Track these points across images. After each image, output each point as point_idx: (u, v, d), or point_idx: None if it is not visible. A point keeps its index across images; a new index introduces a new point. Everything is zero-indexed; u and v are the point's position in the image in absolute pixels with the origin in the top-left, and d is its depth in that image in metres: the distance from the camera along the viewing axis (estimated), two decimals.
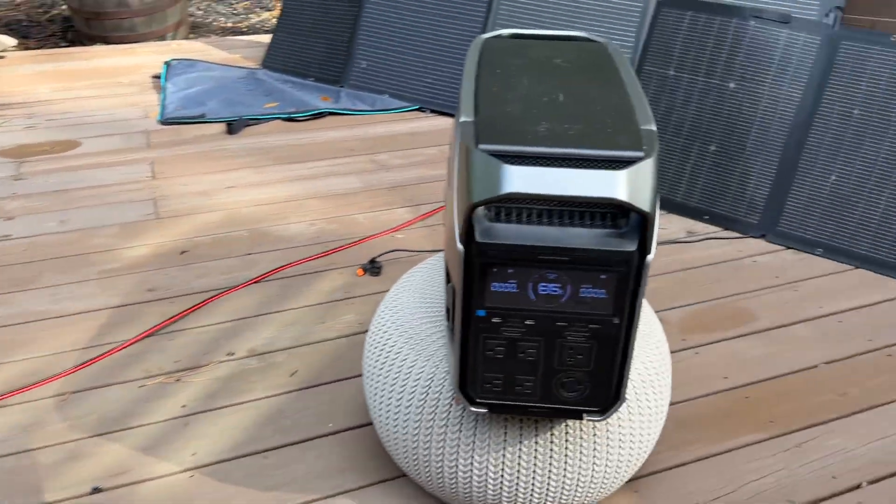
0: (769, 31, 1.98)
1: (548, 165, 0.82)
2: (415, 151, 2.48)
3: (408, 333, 1.14)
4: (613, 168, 0.82)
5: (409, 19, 2.80)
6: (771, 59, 1.97)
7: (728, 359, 1.56)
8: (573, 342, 0.91)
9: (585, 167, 0.82)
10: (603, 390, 0.94)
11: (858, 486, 1.27)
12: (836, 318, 1.70)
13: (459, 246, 0.86)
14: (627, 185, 0.81)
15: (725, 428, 1.38)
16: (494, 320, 0.90)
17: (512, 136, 0.85)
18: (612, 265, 0.85)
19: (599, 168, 0.82)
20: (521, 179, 0.81)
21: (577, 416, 0.96)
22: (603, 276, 0.86)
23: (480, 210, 0.86)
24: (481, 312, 0.90)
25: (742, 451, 1.33)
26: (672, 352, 1.58)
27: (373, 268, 1.79)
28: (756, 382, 1.50)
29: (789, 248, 1.96)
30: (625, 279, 0.86)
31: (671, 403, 1.45)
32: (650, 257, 0.85)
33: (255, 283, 1.75)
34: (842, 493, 1.26)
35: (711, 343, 1.61)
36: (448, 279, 0.98)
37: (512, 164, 0.82)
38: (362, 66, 2.86)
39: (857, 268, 1.88)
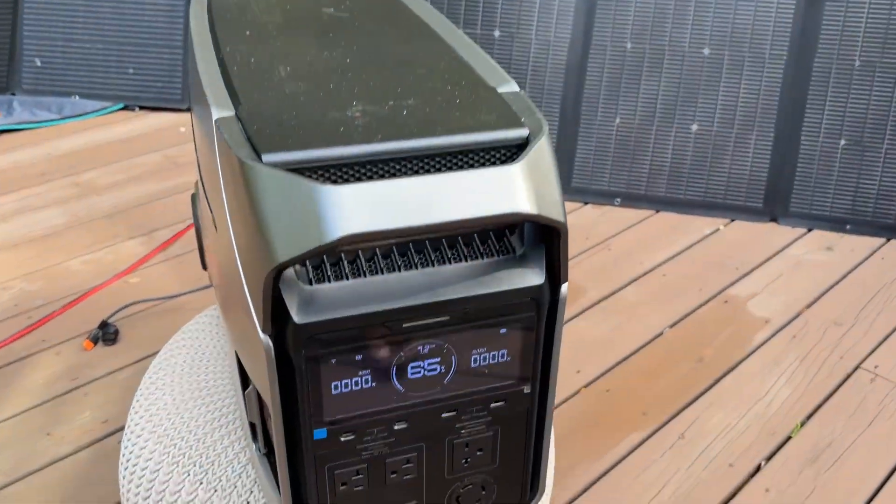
0: None
1: (394, 175, 0.48)
2: (130, 163, 1.97)
3: (187, 457, 0.74)
4: (498, 162, 0.50)
5: None
6: (533, 1, 1.76)
7: (573, 347, 1.33)
8: (468, 436, 0.58)
9: (453, 168, 0.49)
10: (516, 488, 0.63)
11: (758, 469, 1.10)
12: (661, 273, 1.55)
13: (264, 338, 0.49)
14: (529, 185, 0.49)
15: (600, 435, 1.15)
16: (345, 438, 0.54)
17: (315, 133, 0.50)
18: (515, 312, 0.53)
19: (478, 166, 0.49)
20: (359, 209, 0.45)
21: None
22: (503, 331, 0.54)
23: (290, 270, 0.49)
24: (320, 433, 0.54)
25: (630, 461, 1.11)
26: None
27: (105, 335, 1.31)
28: (610, 369, 1.29)
29: (587, 202, 1.79)
30: (534, 327, 0.55)
31: None
32: (565, 288, 0.54)
33: None
34: (746, 482, 1.08)
35: None
36: (244, 382, 0.60)
37: (335, 182, 0.46)
38: (36, 65, 2.24)
39: (657, 212, 1.76)
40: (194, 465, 0.74)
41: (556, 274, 0.54)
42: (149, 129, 2.15)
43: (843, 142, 1.66)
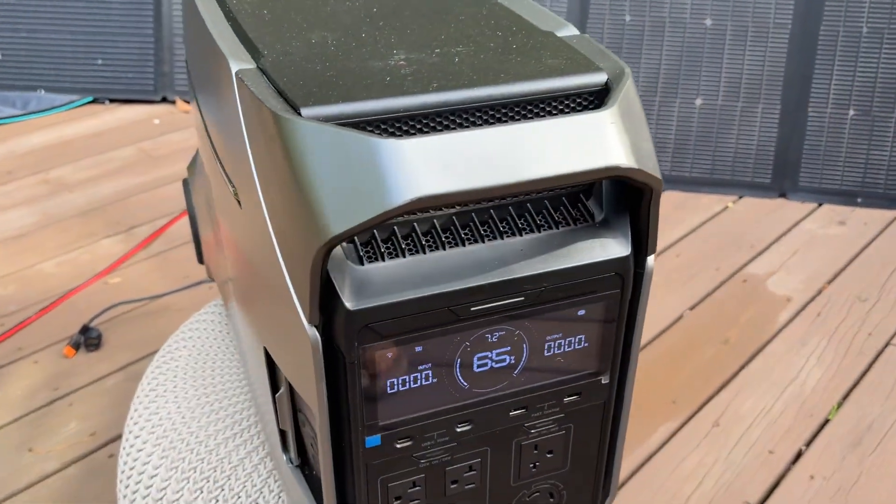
0: None
1: (465, 127, 0.40)
2: (104, 157, 1.86)
3: (199, 473, 0.65)
4: (583, 110, 0.42)
5: None
6: None
7: None
8: (538, 436, 0.50)
9: (532, 117, 0.41)
10: (587, 493, 0.55)
11: (800, 455, 1.04)
12: (674, 253, 1.48)
13: (311, 331, 0.41)
14: (623, 135, 0.41)
15: (633, 427, 1.08)
16: (401, 445, 0.46)
17: (361, 84, 0.41)
18: (596, 289, 0.45)
19: (562, 114, 0.41)
20: (432, 166, 0.37)
21: None
22: (581, 313, 0.46)
23: (337, 249, 0.41)
24: (374, 441, 0.45)
25: (665, 452, 1.04)
26: None
27: (87, 340, 1.21)
28: None
29: None
30: (616, 307, 0.47)
31: None
32: (651, 261, 0.47)
33: None
34: (788, 469, 1.02)
35: None
36: (273, 385, 0.51)
37: (399, 136, 0.38)
38: None
39: (664, 190, 1.69)
40: (207, 481, 0.65)
41: (642, 243, 0.46)
42: (121, 122, 2.03)
43: (851, 112, 1.60)
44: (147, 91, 2.13)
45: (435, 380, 0.45)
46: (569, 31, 0.50)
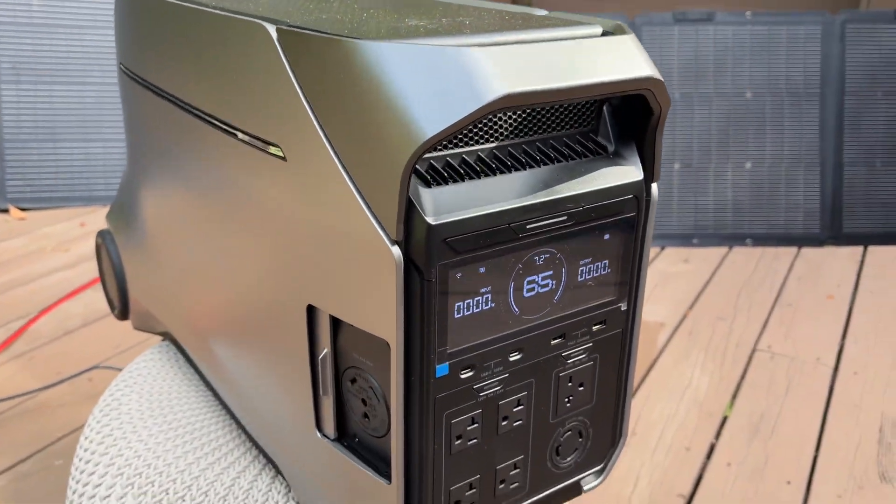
0: None
1: (524, 42, 0.44)
2: None
3: (187, 498, 0.61)
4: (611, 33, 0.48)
5: None
6: None
7: None
8: (572, 367, 0.53)
9: (566, 39, 0.47)
10: (607, 431, 0.58)
11: (713, 448, 1.12)
12: None
13: (394, 250, 0.42)
14: (647, 57, 0.47)
15: None
16: (464, 375, 0.47)
17: (401, 31, 0.45)
18: (620, 212, 0.51)
19: (595, 36, 0.47)
20: (510, 68, 0.41)
21: (575, 491, 0.58)
22: (606, 237, 0.51)
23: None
24: (443, 369, 0.46)
25: None
26: None
27: None
28: None
29: None
30: (633, 232, 0.52)
31: None
32: (656, 188, 0.53)
33: None
34: (707, 461, 1.10)
35: None
36: (312, 349, 0.50)
37: (473, 47, 0.42)
38: None
39: None
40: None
41: (647, 171, 0.52)
42: None
43: (677, 166, 1.83)
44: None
45: (493, 304, 0.47)
46: (541, 11, 0.57)
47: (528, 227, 0.46)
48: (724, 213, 1.82)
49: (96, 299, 1.57)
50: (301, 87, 0.45)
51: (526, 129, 0.49)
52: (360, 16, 0.52)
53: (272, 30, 0.47)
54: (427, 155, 0.45)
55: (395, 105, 0.40)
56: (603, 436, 0.58)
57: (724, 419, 1.19)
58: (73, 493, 0.68)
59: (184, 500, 0.61)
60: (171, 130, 0.63)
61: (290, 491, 0.62)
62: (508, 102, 0.41)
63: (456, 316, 0.46)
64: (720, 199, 1.82)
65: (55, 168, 2.09)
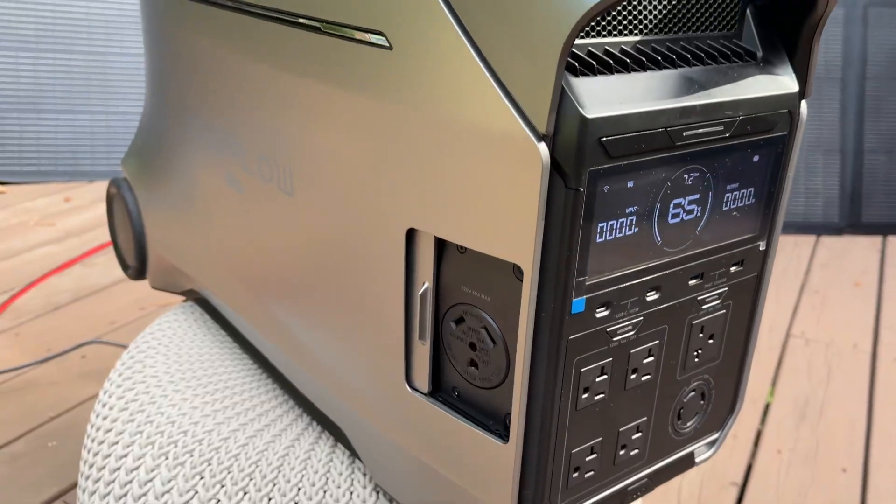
0: None
1: None
2: None
3: (233, 469, 0.52)
4: None
5: None
6: None
7: None
8: (706, 314, 0.45)
9: None
10: (729, 394, 0.50)
11: (759, 435, 1.05)
12: None
13: (542, 147, 0.34)
14: None
15: None
16: (599, 315, 0.39)
17: None
18: (772, 129, 0.43)
19: None
20: None
21: (689, 463, 0.51)
22: (756, 159, 0.43)
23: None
24: (579, 305, 0.38)
25: None
26: None
27: None
28: None
29: None
30: (782, 155, 0.45)
31: None
32: (805, 106, 0.45)
33: None
34: (756, 449, 1.03)
35: None
36: (409, 277, 0.41)
37: None
38: None
39: None
40: (251, 479, 0.52)
41: (802, 83, 0.44)
42: None
43: None
44: None
45: (637, 230, 0.39)
46: None
47: (684, 133, 0.38)
48: None
49: (87, 275, 1.46)
50: None
51: (669, 25, 0.41)
52: None
53: None
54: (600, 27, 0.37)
55: None
56: (724, 399, 0.50)
57: (767, 406, 1.12)
58: (90, 466, 0.59)
59: (230, 471, 0.52)
60: (220, 39, 0.54)
61: (354, 461, 0.53)
62: None
63: (598, 240, 0.38)
64: None
65: (38, 140, 1.97)
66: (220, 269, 0.62)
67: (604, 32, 0.39)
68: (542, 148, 0.34)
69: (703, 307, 0.45)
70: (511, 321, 0.39)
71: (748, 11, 0.44)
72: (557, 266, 0.37)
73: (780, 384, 1.18)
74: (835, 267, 1.61)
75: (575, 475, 0.42)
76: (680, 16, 0.42)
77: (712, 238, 0.43)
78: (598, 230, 0.37)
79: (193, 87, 0.59)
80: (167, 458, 0.54)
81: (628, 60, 0.38)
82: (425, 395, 0.44)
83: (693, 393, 0.48)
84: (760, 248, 0.47)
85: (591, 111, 0.34)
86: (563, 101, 0.34)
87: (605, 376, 0.41)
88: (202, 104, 0.58)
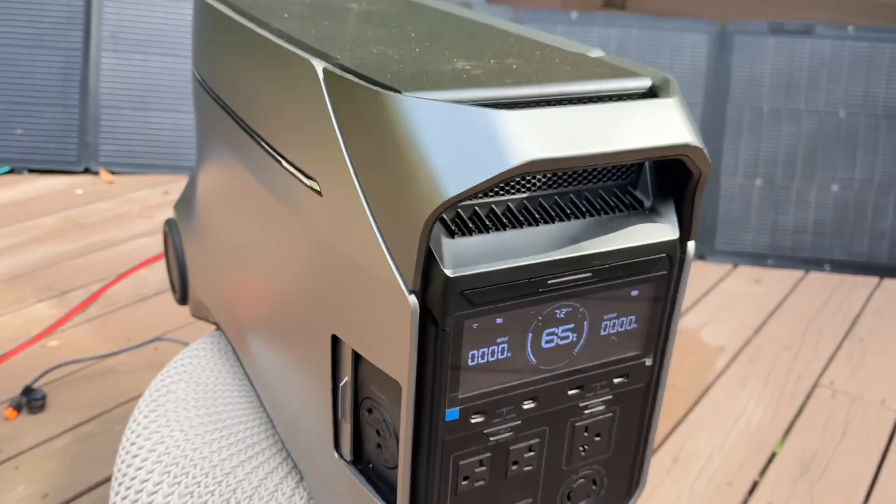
0: None
1: (555, 104, 0.44)
2: (26, 226, 1.79)
3: (217, 493, 0.64)
4: (652, 96, 0.47)
5: None
6: None
7: None
8: (589, 418, 0.53)
9: (611, 100, 0.46)
10: (624, 481, 0.58)
11: (755, 486, 1.10)
12: None
13: (411, 299, 0.43)
14: (686, 119, 0.47)
15: None
16: (474, 420, 0.48)
17: (443, 79, 0.45)
18: (649, 270, 0.50)
19: (639, 97, 0.47)
20: (541, 135, 0.41)
21: None
22: (634, 293, 0.51)
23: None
24: (453, 414, 0.47)
25: None
26: None
27: (31, 402, 1.14)
28: None
29: None
30: (664, 290, 0.52)
31: None
32: (692, 246, 0.52)
33: None
34: (747, 499, 1.07)
35: None
36: (335, 377, 0.52)
37: (507, 107, 0.42)
38: None
39: None
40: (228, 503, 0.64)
41: (685, 229, 0.51)
42: (42, 191, 1.97)
43: (758, 181, 1.77)
44: (69, 162, 2.08)
45: (509, 354, 0.47)
46: (597, 52, 0.56)
47: (549, 282, 0.46)
48: (803, 235, 1.75)
49: None
50: (340, 129, 0.46)
51: (562, 181, 0.49)
52: (412, 51, 0.53)
53: (319, 69, 0.48)
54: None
55: (422, 160, 0.41)
56: (618, 485, 0.58)
57: (773, 455, 1.16)
58: (119, 471, 0.72)
59: (213, 495, 0.64)
60: (229, 140, 0.65)
61: (311, 500, 0.64)
62: (533, 168, 0.41)
63: (470, 364, 0.46)
64: (801, 220, 1.76)
65: (145, 135, 2.18)
66: (224, 311, 0.74)
67: (492, 194, 0.47)
68: (412, 300, 0.43)
69: (586, 412, 0.53)
70: (399, 421, 0.48)
71: (646, 164, 0.51)
72: (432, 384, 0.46)
73: (793, 435, 1.21)
74: (888, 313, 1.59)
75: None
76: (575, 173, 0.49)
77: (590, 357, 0.51)
78: (469, 357, 0.46)
79: (212, 160, 0.71)
80: (169, 476, 0.67)
81: (506, 219, 0.46)
82: (347, 462, 0.54)
83: (583, 480, 0.56)
84: (647, 364, 0.54)
85: (454, 270, 0.43)
86: (431, 261, 0.43)
87: (483, 468, 0.50)
88: (215, 175, 0.70)
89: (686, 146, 0.45)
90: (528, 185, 0.48)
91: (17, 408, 1.13)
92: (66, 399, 1.18)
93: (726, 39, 1.76)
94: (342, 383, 0.52)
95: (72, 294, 1.49)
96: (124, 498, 0.69)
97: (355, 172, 0.45)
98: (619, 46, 1.77)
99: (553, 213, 0.48)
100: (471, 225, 0.45)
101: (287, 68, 0.52)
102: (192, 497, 0.65)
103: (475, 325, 0.45)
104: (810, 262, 1.75)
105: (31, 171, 2.07)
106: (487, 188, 0.41)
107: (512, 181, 0.47)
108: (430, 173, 0.41)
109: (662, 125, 0.45)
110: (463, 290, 0.44)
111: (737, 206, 1.77)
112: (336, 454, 0.55)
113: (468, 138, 0.41)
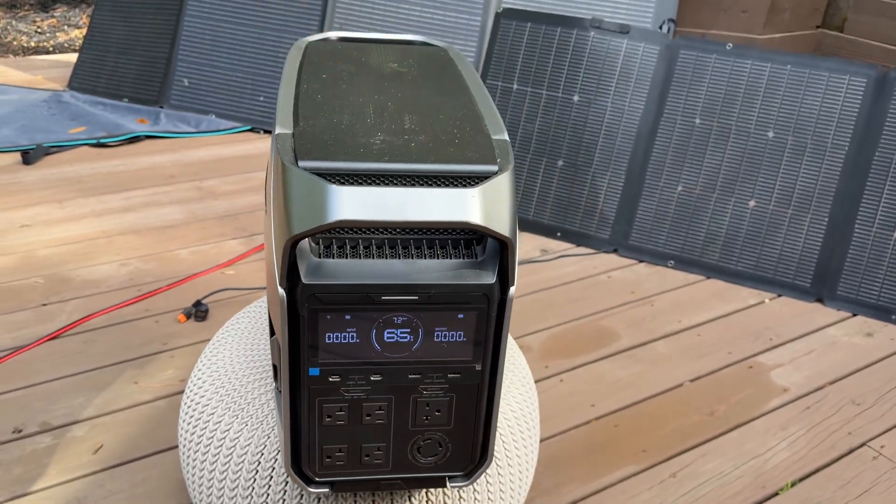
0: (609, 42, 1.94)
1: (385, 185, 0.66)
2: (247, 176, 2.26)
3: (230, 396, 0.94)
4: (464, 185, 0.67)
5: (235, 33, 2.57)
6: (612, 71, 1.93)
7: (594, 384, 1.46)
8: (429, 397, 0.75)
9: (430, 185, 0.67)
10: (467, 450, 0.78)
11: None
12: (695, 332, 1.65)
13: (281, 291, 0.68)
14: (482, 205, 0.66)
15: (598, 463, 1.27)
16: (332, 379, 0.72)
17: (340, 151, 0.69)
18: (470, 302, 0.70)
19: (447, 186, 0.67)
20: (352, 204, 0.64)
21: (440, 483, 0.80)
22: (460, 316, 0.71)
23: (305, 243, 0.68)
24: (314, 371, 0.72)
25: (617, 488, 1.22)
26: (536, 381, 1.46)
27: (197, 312, 1.55)
28: (624, 408, 1.41)
29: (642, 261, 1.91)
30: (485, 318, 0.71)
31: (539, 441, 1.32)
32: (513, 290, 0.71)
33: (51, 339, 1.47)
34: None
35: (576, 368, 1.51)
36: (272, 331, 0.79)
37: (341, 184, 0.65)
38: (184, 85, 2.60)
39: (707, 278, 1.86)
40: (234, 404, 0.94)
41: (506, 278, 0.70)
42: (267, 149, 2.44)
43: (895, 234, 1.71)
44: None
45: (357, 340, 0.71)
46: (502, 135, 0.75)
47: (383, 297, 0.69)
48: None
49: None
50: (273, 172, 0.72)
51: (428, 231, 0.70)
52: (364, 120, 0.76)
53: (277, 131, 0.74)
54: (333, 235, 0.70)
55: (288, 206, 0.66)
56: (463, 451, 0.78)
57: (773, 495, 1.23)
58: (187, 397, 1.06)
59: (247, 407, 0.95)
60: None
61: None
62: (343, 225, 0.64)
63: (327, 340, 0.71)
64: None
65: None
66: None
67: (364, 231, 0.70)
68: (281, 293, 0.68)
69: (426, 392, 0.74)
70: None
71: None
72: (301, 348, 0.71)
73: (808, 482, 1.26)
74: None
75: (328, 460, 0.76)
76: (435, 230, 0.70)
77: (426, 355, 0.72)
78: (326, 336, 0.70)
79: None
80: (220, 396, 0.98)
81: (363, 250, 0.69)
82: (278, 391, 0.81)
83: (430, 440, 0.77)
84: (477, 368, 0.74)
85: (308, 279, 0.67)
86: (295, 271, 0.68)
87: (342, 412, 0.74)
88: None
89: (466, 223, 0.65)
90: (393, 231, 0.70)
91: (188, 315, 1.55)
92: (223, 315, 1.58)
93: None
94: (272, 338, 0.78)
95: (258, 237, 1.91)
96: (190, 390, 1.03)
97: (270, 204, 0.71)
98: (769, 81, 1.80)
99: (404, 252, 0.70)
100: (335, 252, 0.69)
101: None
102: (222, 403, 0.96)
103: (328, 316, 0.69)
104: None
105: (266, 131, 2.56)
106: (321, 231, 0.64)
107: (380, 229, 0.70)
108: (289, 216, 0.65)
109: (456, 206, 0.65)
110: (314, 293, 0.68)
111: (868, 255, 1.73)
112: (274, 383, 0.82)
113: (314, 199, 0.64)
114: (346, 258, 0.69)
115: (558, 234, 1.98)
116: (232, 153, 2.41)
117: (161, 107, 2.61)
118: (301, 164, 0.66)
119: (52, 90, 2.76)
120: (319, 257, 0.69)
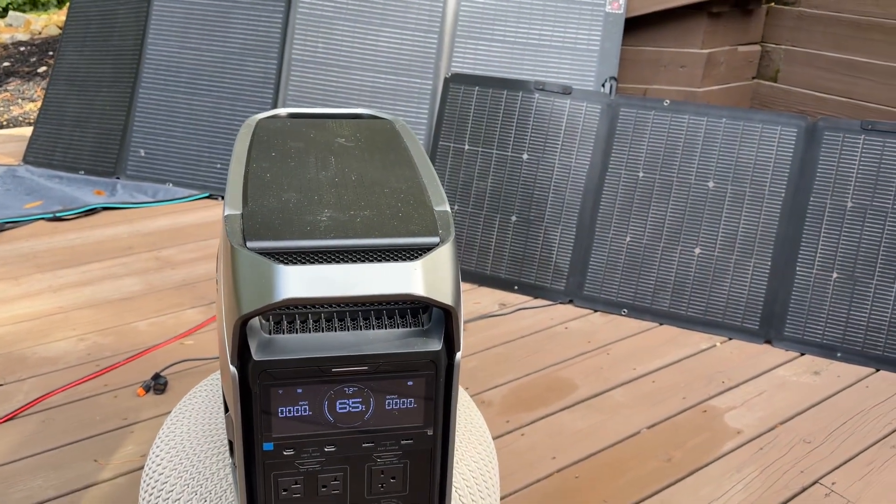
0: (553, 102, 2.01)
1: (331, 261, 0.69)
2: (205, 244, 2.27)
3: (189, 473, 0.94)
4: (407, 258, 0.71)
5: (190, 102, 2.61)
6: (558, 129, 2.00)
7: (554, 436, 1.49)
8: (384, 465, 0.77)
9: (375, 260, 0.70)
10: None
11: None
12: (651, 379, 1.69)
13: (232, 368, 0.70)
14: (424, 276, 0.69)
15: None
16: (286, 452, 0.74)
17: (286, 230, 0.72)
18: (418, 369, 0.73)
19: (391, 260, 0.70)
20: (299, 282, 0.67)
21: None
22: (410, 383, 0.74)
23: (256, 321, 0.71)
24: (268, 446, 0.73)
25: None
26: (496, 437, 1.48)
27: (156, 385, 1.55)
28: (584, 459, 1.43)
29: (597, 310, 1.96)
30: (434, 383, 0.74)
31: (500, 498, 1.34)
32: (459, 355, 0.74)
33: (7, 420, 1.45)
34: None
35: (536, 420, 1.53)
36: (226, 407, 0.81)
37: (287, 263, 0.68)
38: (140, 155, 2.62)
39: (660, 324, 1.91)
40: (193, 480, 0.94)
41: (452, 344, 0.73)
42: None
43: (835, 275, 1.79)
44: None
45: (310, 412, 0.73)
46: (444, 207, 0.79)
47: (333, 370, 0.71)
48: (877, 332, 1.75)
49: None
50: (222, 251, 0.75)
51: (371, 303, 0.73)
52: (312, 197, 0.80)
53: (225, 213, 0.77)
54: (282, 311, 0.72)
55: (237, 287, 0.68)
56: None
57: None
58: (146, 475, 1.06)
59: (203, 486, 0.95)
60: None
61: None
62: (291, 303, 0.66)
63: (280, 415, 0.73)
64: (877, 316, 1.75)
65: None
66: None
67: (312, 307, 0.73)
68: (233, 369, 0.70)
69: (380, 460, 0.76)
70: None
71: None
72: (254, 424, 0.72)
73: None
74: None
75: None
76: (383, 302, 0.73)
77: (379, 423, 0.75)
78: (279, 411, 0.72)
79: None
80: (180, 473, 0.99)
81: (312, 324, 0.72)
82: (234, 466, 0.82)
83: None
84: (429, 434, 0.76)
85: (260, 356, 0.70)
86: (246, 348, 0.70)
87: (298, 485, 0.75)
88: None
89: (410, 295, 0.68)
90: (341, 304, 0.73)
91: (146, 388, 1.54)
92: (183, 387, 1.58)
93: (817, 133, 1.81)
94: (227, 414, 0.80)
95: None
96: (147, 475, 1.03)
97: (222, 283, 0.73)
98: (706, 134, 1.88)
99: (352, 324, 0.73)
100: (285, 327, 0.72)
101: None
102: (181, 480, 0.96)
103: (280, 391, 0.71)
104: (883, 362, 1.75)
105: (223, 198, 2.58)
106: (266, 312, 0.67)
107: (328, 304, 0.72)
108: (238, 296, 0.68)
109: (399, 278, 0.68)
110: (265, 369, 0.70)
111: (811, 296, 1.80)
112: (231, 459, 0.83)
113: (261, 279, 0.67)
114: (297, 333, 0.72)
115: (515, 287, 2.02)
116: (190, 221, 2.42)
117: (118, 178, 2.63)
118: (249, 244, 0.69)
119: (7, 165, 2.76)
120: (270, 333, 0.71)
